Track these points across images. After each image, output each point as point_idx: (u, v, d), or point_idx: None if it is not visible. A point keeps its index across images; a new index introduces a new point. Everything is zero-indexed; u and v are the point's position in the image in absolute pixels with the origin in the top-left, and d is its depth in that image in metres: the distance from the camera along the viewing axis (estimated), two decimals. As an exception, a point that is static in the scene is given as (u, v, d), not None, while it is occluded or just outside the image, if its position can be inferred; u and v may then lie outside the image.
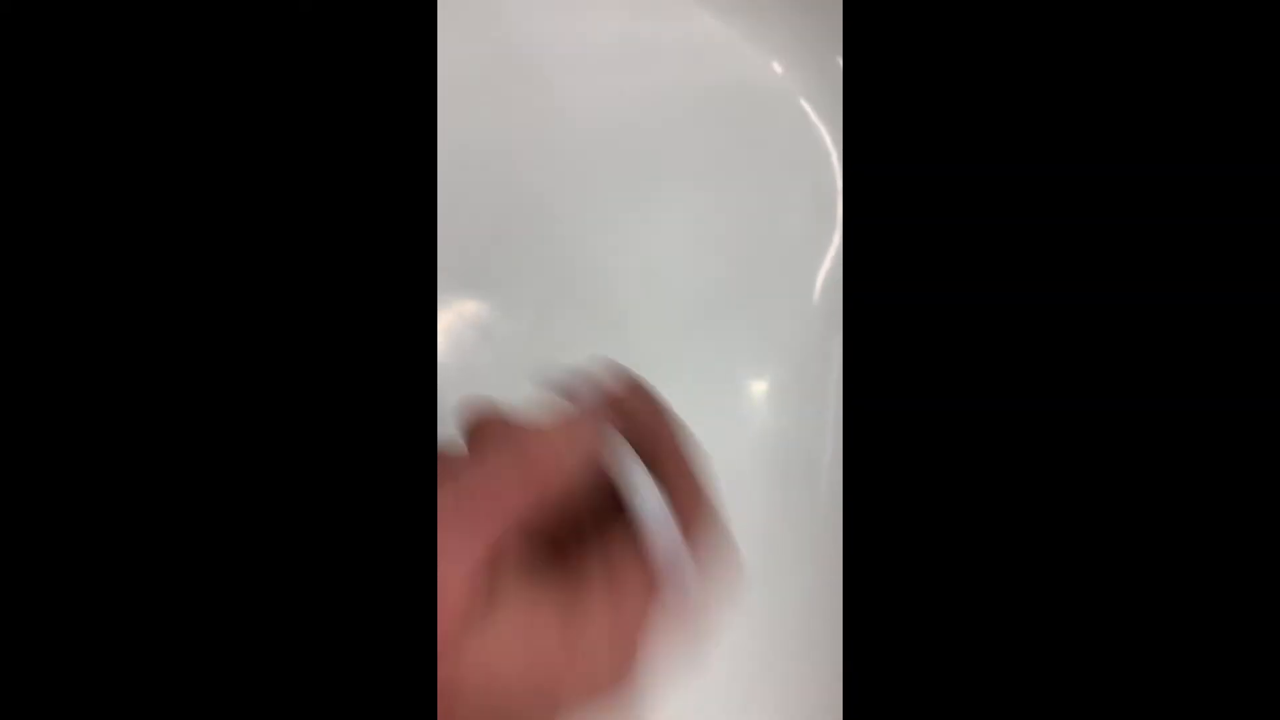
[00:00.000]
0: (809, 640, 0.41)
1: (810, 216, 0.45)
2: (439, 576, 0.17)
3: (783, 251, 0.45)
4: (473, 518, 0.18)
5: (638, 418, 0.22)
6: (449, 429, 0.41)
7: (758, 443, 0.43)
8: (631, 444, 0.21)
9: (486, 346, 0.42)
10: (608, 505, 0.21)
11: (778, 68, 0.48)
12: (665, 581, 0.20)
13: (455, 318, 0.43)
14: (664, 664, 0.20)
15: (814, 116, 0.47)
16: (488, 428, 0.21)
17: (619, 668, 0.19)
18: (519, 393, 0.41)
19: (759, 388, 0.44)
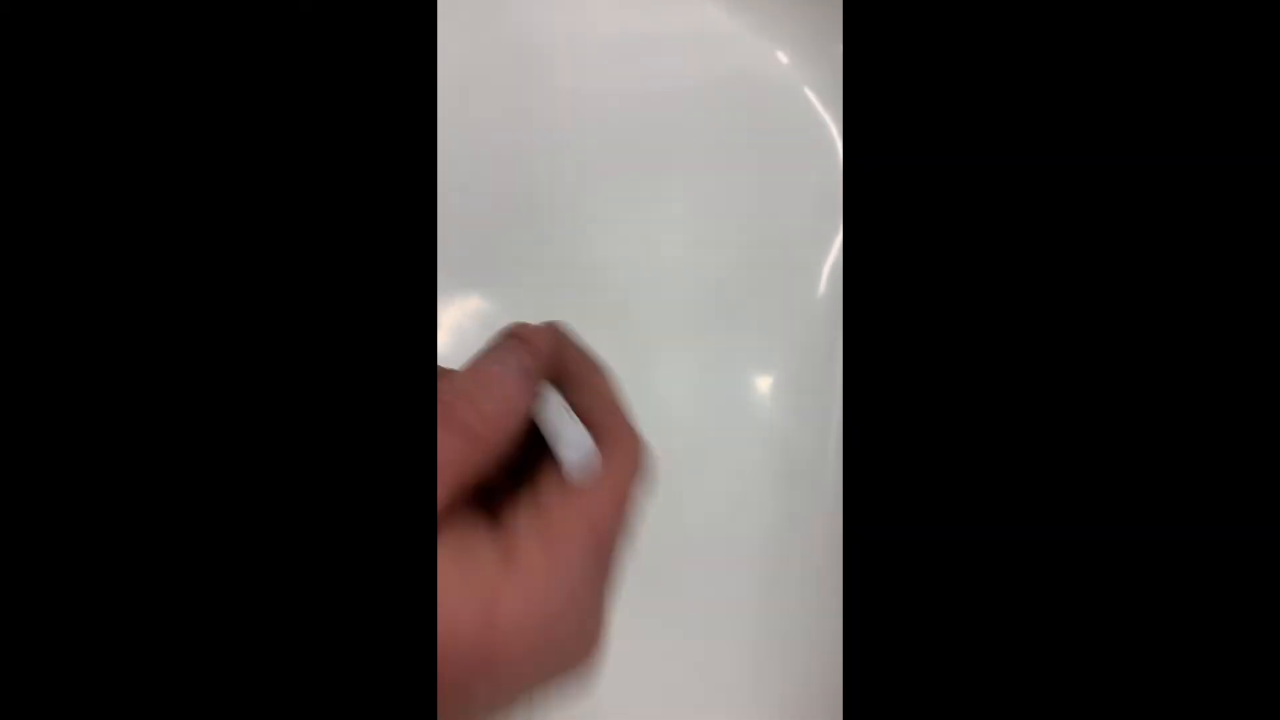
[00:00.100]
0: (813, 635, 0.41)
1: (815, 209, 0.45)
2: None
3: (787, 244, 0.45)
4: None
5: (559, 359, 0.24)
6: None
7: (762, 438, 0.43)
8: (553, 381, 0.23)
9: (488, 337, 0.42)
10: (533, 443, 0.23)
11: (783, 58, 0.47)
12: (589, 499, 0.21)
13: (458, 311, 0.42)
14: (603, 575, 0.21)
15: (819, 107, 0.46)
16: None
17: (557, 585, 0.20)
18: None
19: (763, 383, 0.44)
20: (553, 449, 0.22)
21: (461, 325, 0.42)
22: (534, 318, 0.44)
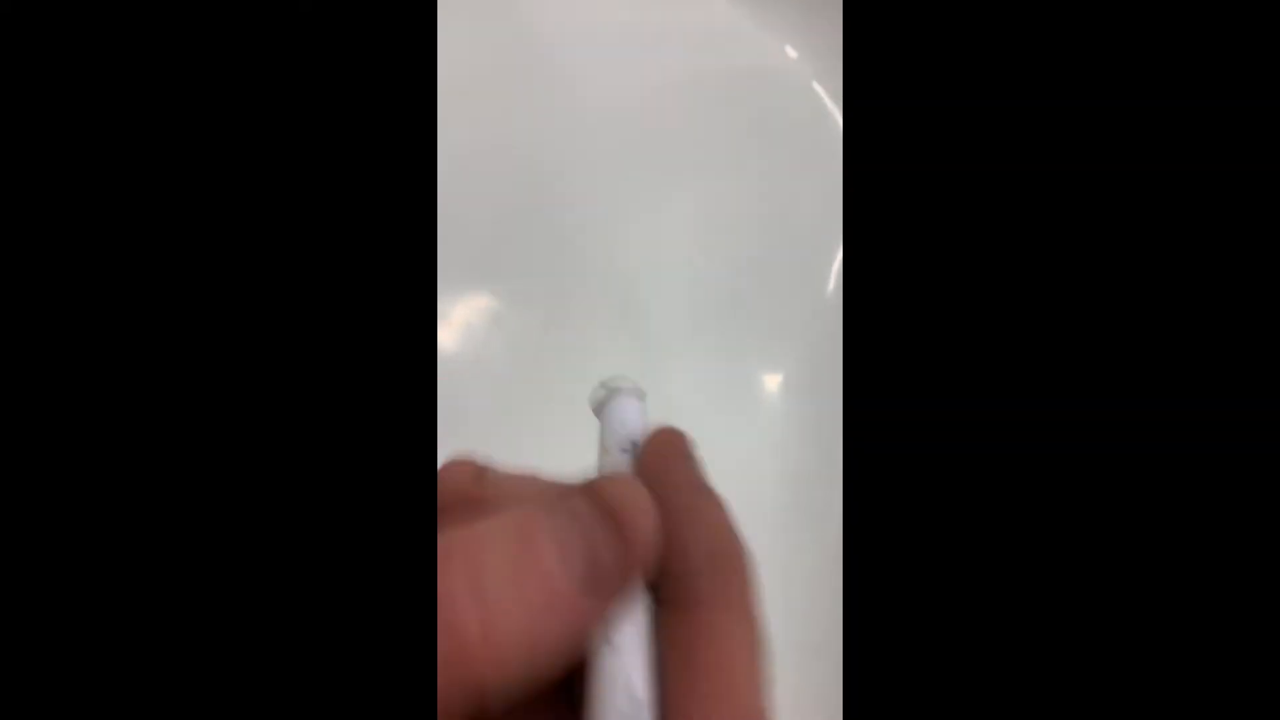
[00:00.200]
0: (822, 635, 0.41)
1: (824, 204, 0.45)
2: None
3: (797, 241, 0.45)
4: None
5: (670, 539, 0.14)
6: (458, 422, 0.41)
7: (771, 437, 0.43)
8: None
9: (497, 336, 0.41)
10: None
11: (791, 52, 0.47)
12: None
13: (466, 307, 0.42)
14: None
15: (828, 102, 0.46)
16: (455, 485, 0.16)
17: None
18: (529, 382, 0.41)
19: (772, 381, 0.44)
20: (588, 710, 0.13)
21: (470, 322, 0.42)
22: (543, 313, 0.44)
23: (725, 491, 0.43)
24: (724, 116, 0.46)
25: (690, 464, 0.15)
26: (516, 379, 0.42)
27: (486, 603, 0.12)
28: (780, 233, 0.45)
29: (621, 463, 0.16)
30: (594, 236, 0.44)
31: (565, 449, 0.35)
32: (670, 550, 0.13)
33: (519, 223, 0.44)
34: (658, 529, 0.13)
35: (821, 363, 0.43)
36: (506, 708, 0.12)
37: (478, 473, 0.16)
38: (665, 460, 0.15)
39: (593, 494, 0.13)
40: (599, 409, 0.18)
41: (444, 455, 0.18)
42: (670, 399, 0.43)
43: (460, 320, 0.42)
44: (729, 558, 0.14)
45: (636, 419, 0.17)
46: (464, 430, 0.40)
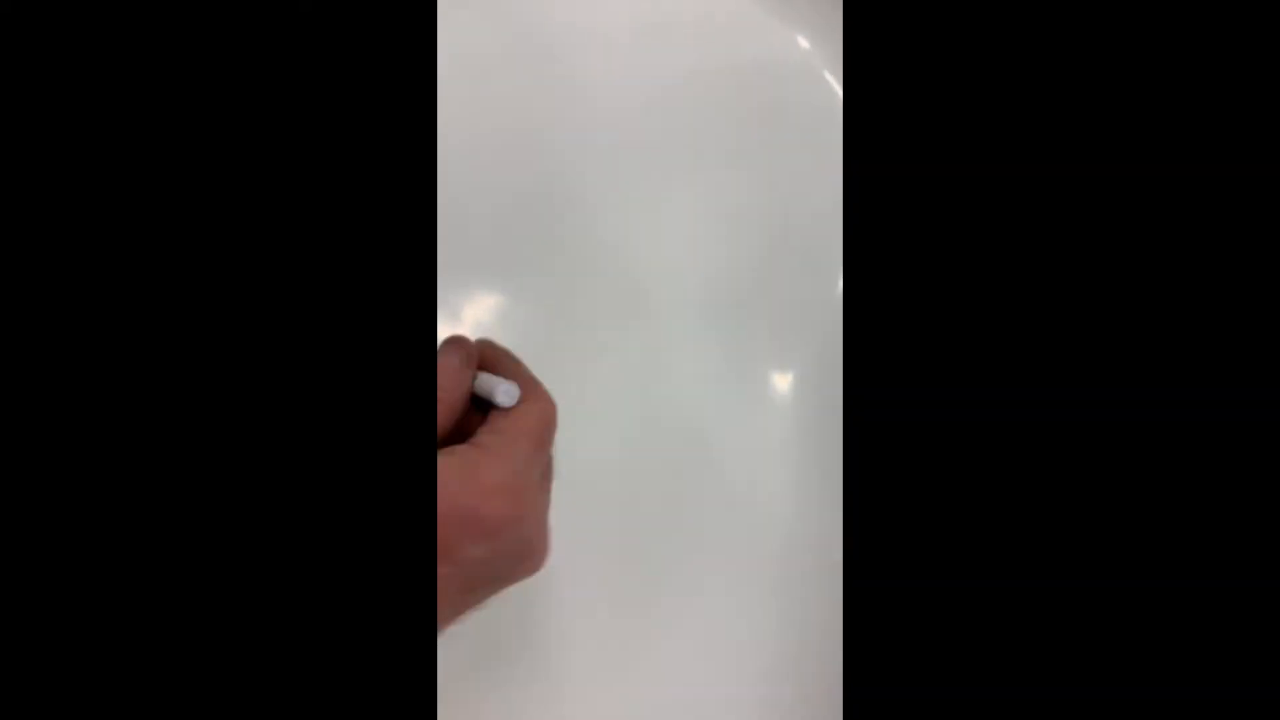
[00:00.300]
0: (832, 634, 0.40)
1: (836, 198, 0.44)
2: None
3: (808, 236, 0.44)
4: None
5: (483, 351, 0.35)
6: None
7: (780, 436, 0.43)
8: (484, 365, 0.33)
9: (505, 332, 0.41)
10: (478, 409, 0.32)
11: (803, 42, 0.46)
12: (522, 417, 0.31)
13: (473, 302, 0.42)
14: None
15: (840, 93, 0.45)
16: None
17: (515, 462, 0.29)
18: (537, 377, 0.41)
19: (782, 379, 0.43)
20: (490, 395, 0.32)
21: (478, 318, 0.42)
22: (550, 309, 0.44)
23: (732, 489, 0.43)
24: (734, 108, 0.46)
25: (486, 340, 0.36)
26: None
27: (442, 382, 0.31)
28: (791, 227, 0.44)
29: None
30: (601, 231, 0.44)
31: (573, 444, 0.34)
32: (485, 356, 0.35)
33: (526, 218, 0.44)
34: (475, 346, 0.34)
35: (833, 361, 0.42)
36: (456, 420, 0.31)
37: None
38: (484, 341, 0.36)
39: (450, 340, 0.34)
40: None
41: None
42: (677, 396, 0.42)
43: (469, 316, 0.42)
44: (501, 348, 0.36)
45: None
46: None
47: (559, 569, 0.33)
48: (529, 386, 0.33)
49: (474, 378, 0.32)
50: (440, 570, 0.25)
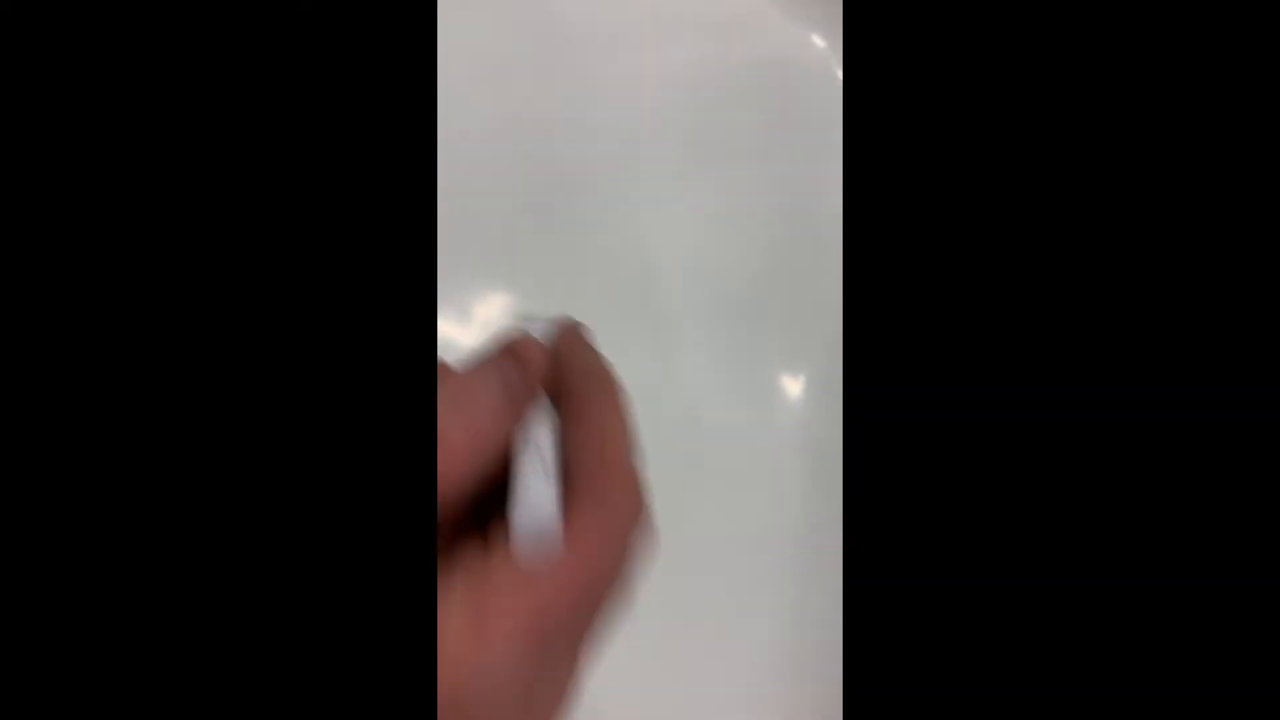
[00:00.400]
0: (839, 631, 0.40)
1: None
2: None
3: (819, 235, 0.44)
4: None
5: (561, 374, 0.20)
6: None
7: (792, 437, 0.42)
8: (552, 399, 0.20)
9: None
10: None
11: (818, 42, 0.46)
12: (537, 585, 0.17)
13: (485, 301, 0.42)
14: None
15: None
16: None
17: (484, 677, 0.17)
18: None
19: (794, 380, 0.43)
20: (509, 507, 0.18)
21: (489, 317, 0.42)
22: (559, 308, 0.43)
23: (743, 491, 0.42)
24: (747, 106, 0.45)
25: (576, 333, 0.22)
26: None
27: (440, 425, 0.17)
28: (803, 227, 0.44)
29: None
30: (613, 229, 0.44)
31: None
32: (562, 382, 0.20)
33: (537, 216, 0.43)
34: (546, 359, 0.20)
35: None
36: (469, 503, 0.18)
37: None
38: (560, 333, 0.22)
39: (504, 351, 0.20)
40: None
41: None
42: (689, 395, 0.42)
43: (478, 314, 0.42)
44: (602, 378, 0.20)
45: (546, 331, 0.22)
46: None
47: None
48: (597, 481, 0.18)
49: (525, 425, 0.19)
50: None
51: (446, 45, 0.43)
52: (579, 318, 0.44)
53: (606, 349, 0.30)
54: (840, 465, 0.41)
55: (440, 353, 0.34)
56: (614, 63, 0.45)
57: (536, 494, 0.18)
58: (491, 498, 0.19)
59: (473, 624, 0.16)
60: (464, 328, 0.41)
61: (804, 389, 0.42)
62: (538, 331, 0.21)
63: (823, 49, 0.46)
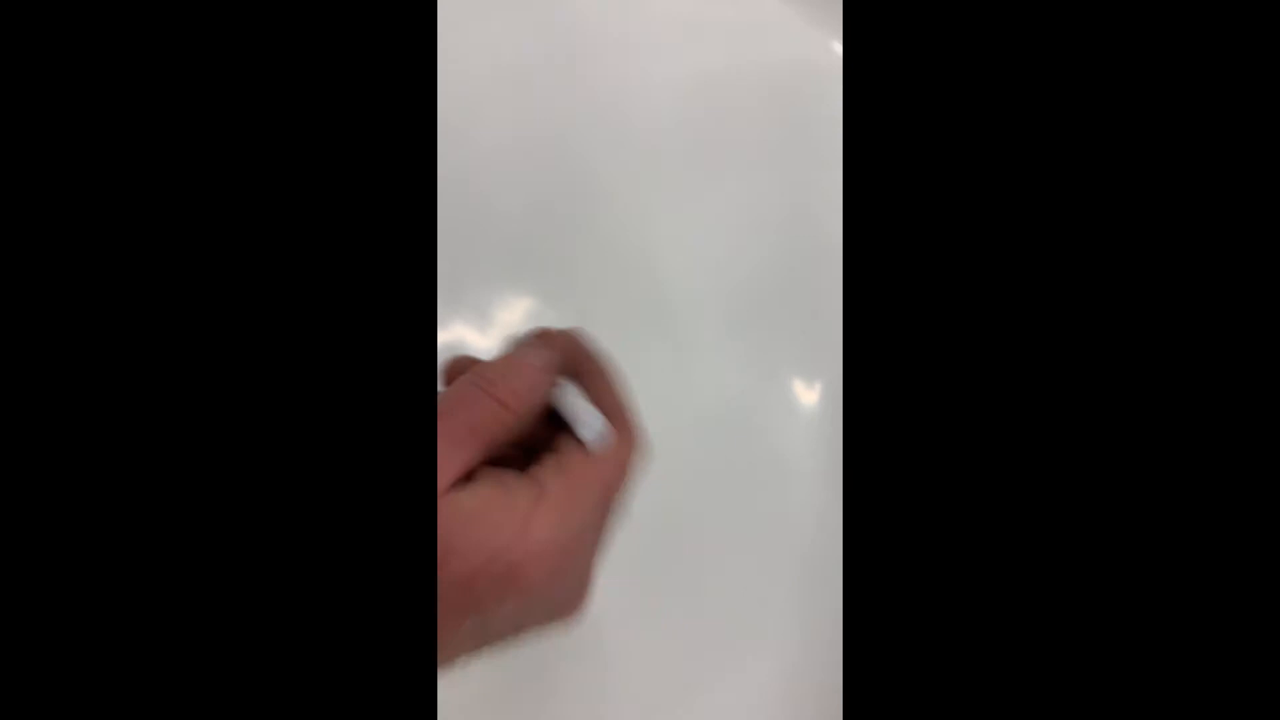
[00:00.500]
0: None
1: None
2: None
3: (838, 242, 0.44)
4: (449, 439, 0.23)
5: (576, 358, 0.28)
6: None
7: (805, 443, 0.42)
8: (570, 376, 0.28)
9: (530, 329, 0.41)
10: (553, 421, 0.27)
11: (837, 47, 0.46)
12: (601, 464, 0.26)
13: (502, 303, 0.42)
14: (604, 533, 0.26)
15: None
16: (460, 368, 0.28)
17: (575, 522, 0.24)
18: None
19: (809, 385, 0.43)
20: (571, 426, 0.26)
21: (506, 319, 0.42)
22: (575, 312, 0.43)
23: (756, 494, 0.42)
24: (766, 113, 0.45)
25: (585, 336, 0.29)
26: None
27: (509, 381, 0.25)
28: (821, 234, 0.44)
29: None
30: (631, 234, 0.44)
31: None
32: (579, 359, 0.28)
33: (556, 220, 0.44)
34: (569, 345, 0.28)
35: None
36: (522, 433, 0.26)
37: (471, 361, 0.28)
38: (571, 332, 0.29)
39: (541, 338, 0.28)
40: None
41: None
42: (703, 400, 0.42)
43: (498, 318, 0.42)
44: (601, 356, 0.29)
45: None
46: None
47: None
48: (620, 421, 0.27)
49: (556, 384, 0.27)
50: (462, 622, 0.22)
51: (467, 51, 0.44)
52: (597, 322, 0.44)
53: (624, 352, 0.32)
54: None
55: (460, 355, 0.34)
56: (633, 68, 0.45)
57: (588, 413, 0.26)
58: (536, 434, 0.27)
59: (565, 493, 0.24)
60: (483, 333, 0.42)
61: (821, 396, 0.42)
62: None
63: (841, 55, 0.46)
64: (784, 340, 0.43)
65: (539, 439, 0.26)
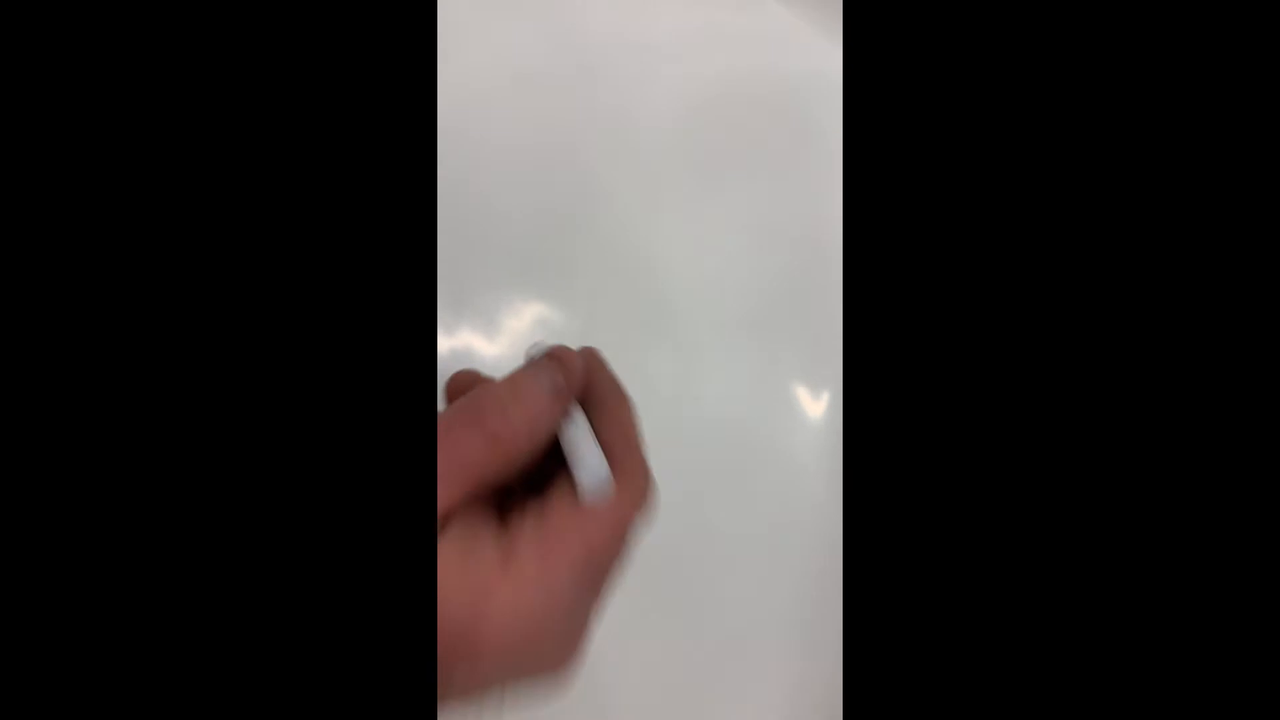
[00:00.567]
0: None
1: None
2: None
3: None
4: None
5: (590, 383, 0.25)
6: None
7: (811, 453, 0.42)
8: (582, 404, 0.25)
9: (540, 338, 0.41)
10: (552, 457, 0.24)
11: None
12: (591, 521, 0.22)
13: (510, 308, 0.42)
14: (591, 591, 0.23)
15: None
16: (462, 386, 0.26)
17: (547, 593, 0.21)
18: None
19: (815, 394, 0.43)
20: (570, 468, 0.23)
21: (513, 325, 0.42)
22: (582, 317, 0.44)
23: (760, 504, 0.42)
24: (772, 121, 0.46)
25: (598, 357, 0.26)
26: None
27: (506, 411, 0.22)
28: (827, 243, 0.44)
29: None
30: (638, 241, 0.44)
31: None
32: (590, 387, 0.25)
33: (564, 226, 0.44)
34: (584, 369, 0.25)
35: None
36: (516, 477, 0.23)
37: (474, 378, 0.26)
38: (589, 354, 0.26)
39: (553, 358, 0.25)
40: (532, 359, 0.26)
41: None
42: (708, 407, 0.42)
43: (505, 324, 0.42)
44: (618, 384, 0.26)
45: None
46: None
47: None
48: (626, 465, 0.24)
49: (566, 416, 0.24)
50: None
51: (476, 60, 0.44)
52: (604, 329, 0.44)
53: (630, 360, 0.31)
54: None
55: (464, 363, 0.34)
56: (642, 76, 0.45)
57: (591, 454, 0.23)
58: (540, 470, 0.24)
59: (539, 555, 0.21)
60: (490, 339, 0.42)
61: (827, 406, 0.42)
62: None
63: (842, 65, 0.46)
64: (790, 349, 0.43)
65: (544, 471, 0.24)
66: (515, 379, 0.24)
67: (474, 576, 0.20)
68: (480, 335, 0.42)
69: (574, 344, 0.33)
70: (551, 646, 0.22)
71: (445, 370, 0.27)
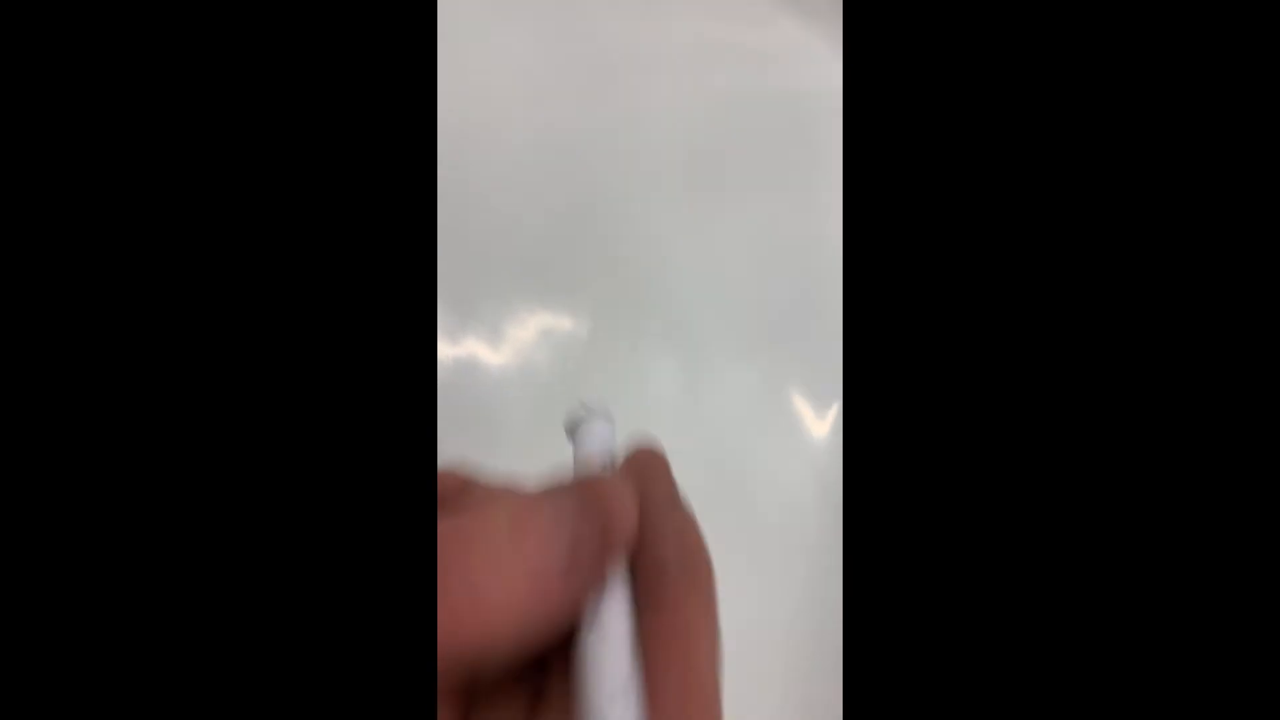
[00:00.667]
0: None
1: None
2: None
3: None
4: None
5: (646, 539, 0.15)
6: (502, 433, 0.41)
7: (814, 470, 0.42)
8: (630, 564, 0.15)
9: (544, 349, 0.41)
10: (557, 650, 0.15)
11: (855, 74, 0.46)
12: None
13: (514, 319, 0.42)
14: None
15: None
16: (448, 492, 0.17)
17: None
18: (574, 396, 0.41)
19: (821, 410, 0.42)
20: (576, 683, 0.14)
21: (518, 335, 0.42)
22: (588, 329, 0.43)
23: (762, 521, 0.42)
24: (779, 135, 0.46)
25: (667, 481, 0.16)
26: (561, 392, 0.41)
27: (475, 584, 0.13)
28: (835, 257, 0.44)
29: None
30: (644, 253, 0.44)
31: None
32: (647, 554, 0.15)
33: (571, 237, 0.44)
34: (635, 526, 0.15)
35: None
36: (498, 676, 0.14)
37: (463, 485, 0.17)
38: (646, 476, 0.16)
39: (581, 490, 0.14)
40: (575, 429, 0.19)
41: (485, 464, 0.19)
42: (712, 422, 0.42)
43: (510, 335, 0.42)
44: (698, 565, 0.15)
45: (610, 439, 0.18)
46: (506, 441, 0.40)
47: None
48: (690, 706, 0.14)
49: (593, 605, 0.15)
50: None
51: (483, 68, 0.44)
52: (608, 340, 0.44)
53: (632, 368, 0.29)
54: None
55: (469, 373, 0.33)
56: (650, 88, 0.46)
57: (614, 677, 0.14)
58: (546, 661, 0.15)
59: None
60: (495, 349, 0.42)
61: (833, 422, 0.42)
62: (600, 433, 0.18)
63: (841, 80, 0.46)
64: (796, 363, 0.43)
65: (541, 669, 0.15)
66: (527, 511, 0.14)
67: None
68: (485, 344, 0.42)
69: (579, 355, 0.32)
70: None
71: (447, 374, 0.26)
